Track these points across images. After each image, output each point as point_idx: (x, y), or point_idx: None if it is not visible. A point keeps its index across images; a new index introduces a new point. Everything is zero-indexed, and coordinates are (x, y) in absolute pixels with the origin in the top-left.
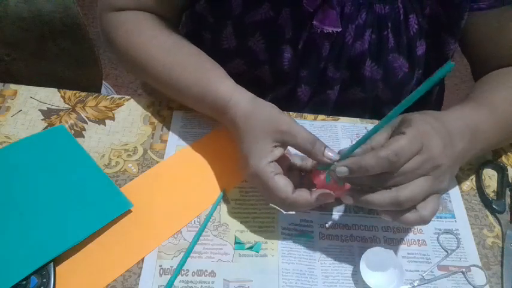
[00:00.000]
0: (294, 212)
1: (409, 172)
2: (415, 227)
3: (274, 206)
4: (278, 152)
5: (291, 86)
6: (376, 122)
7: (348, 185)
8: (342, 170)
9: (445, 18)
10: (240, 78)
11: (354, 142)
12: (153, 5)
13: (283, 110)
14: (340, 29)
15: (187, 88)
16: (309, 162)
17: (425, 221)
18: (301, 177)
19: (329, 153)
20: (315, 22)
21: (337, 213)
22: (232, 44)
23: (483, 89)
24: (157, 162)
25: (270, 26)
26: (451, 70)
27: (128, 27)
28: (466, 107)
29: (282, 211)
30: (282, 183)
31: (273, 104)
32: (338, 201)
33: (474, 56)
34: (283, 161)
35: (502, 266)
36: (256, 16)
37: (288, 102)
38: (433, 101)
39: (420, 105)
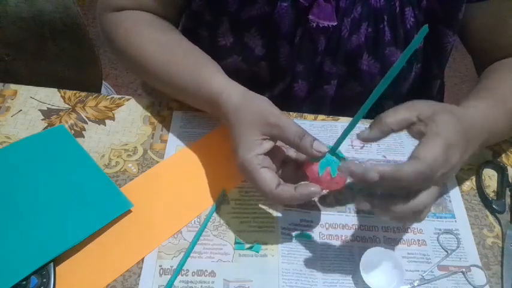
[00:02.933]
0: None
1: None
2: (415, 227)
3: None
4: (267, 144)
5: (287, 82)
6: None
7: (341, 179)
8: (372, 175)
9: (442, 11)
10: (237, 76)
11: (353, 142)
12: (152, 4)
13: (282, 109)
14: (335, 23)
15: (183, 84)
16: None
17: (420, 221)
18: (296, 169)
19: (318, 146)
20: (310, 16)
21: (337, 213)
22: (229, 40)
23: (497, 79)
24: (157, 162)
25: (265, 21)
26: (426, 34)
27: (127, 26)
28: (484, 105)
29: (274, 210)
30: (267, 177)
31: (265, 97)
32: (337, 201)
33: (475, 49)
34: (277, 154)
35: (502, 266)
36: (252, 11)
37: (286, 99)
38: (433, 90)
39: (421, 93)
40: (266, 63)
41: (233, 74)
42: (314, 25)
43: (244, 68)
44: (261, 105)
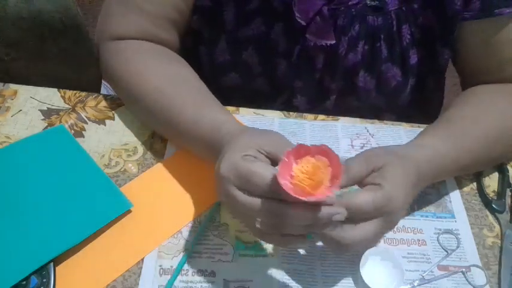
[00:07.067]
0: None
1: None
2: (416, 227)
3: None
4: (260, 157)
5: (286, 97)
6: (376, 122)
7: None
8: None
9: (439, 28)
10: (237, 91)
11: (353, 142)
12: (154, 30)
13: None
14: (334, 41)
15: (185, 117)
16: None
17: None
18: None
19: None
20: (308, 35)
21: None
22: (227, 57)
23: (465, 115)
24: (157, 162)
25: (263, 40)
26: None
27: (128, 55)
28: (440, 142)
29: None
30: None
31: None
32: None
33: (462, 68)
34: None
35: (499, 264)
36: (249, 31)
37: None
38: (433, 102)
39: (420, 105)
40: (264, 80)
41: (233, 89)
42: (312, 44)
43: (242, 84)
44: (271, 132)
